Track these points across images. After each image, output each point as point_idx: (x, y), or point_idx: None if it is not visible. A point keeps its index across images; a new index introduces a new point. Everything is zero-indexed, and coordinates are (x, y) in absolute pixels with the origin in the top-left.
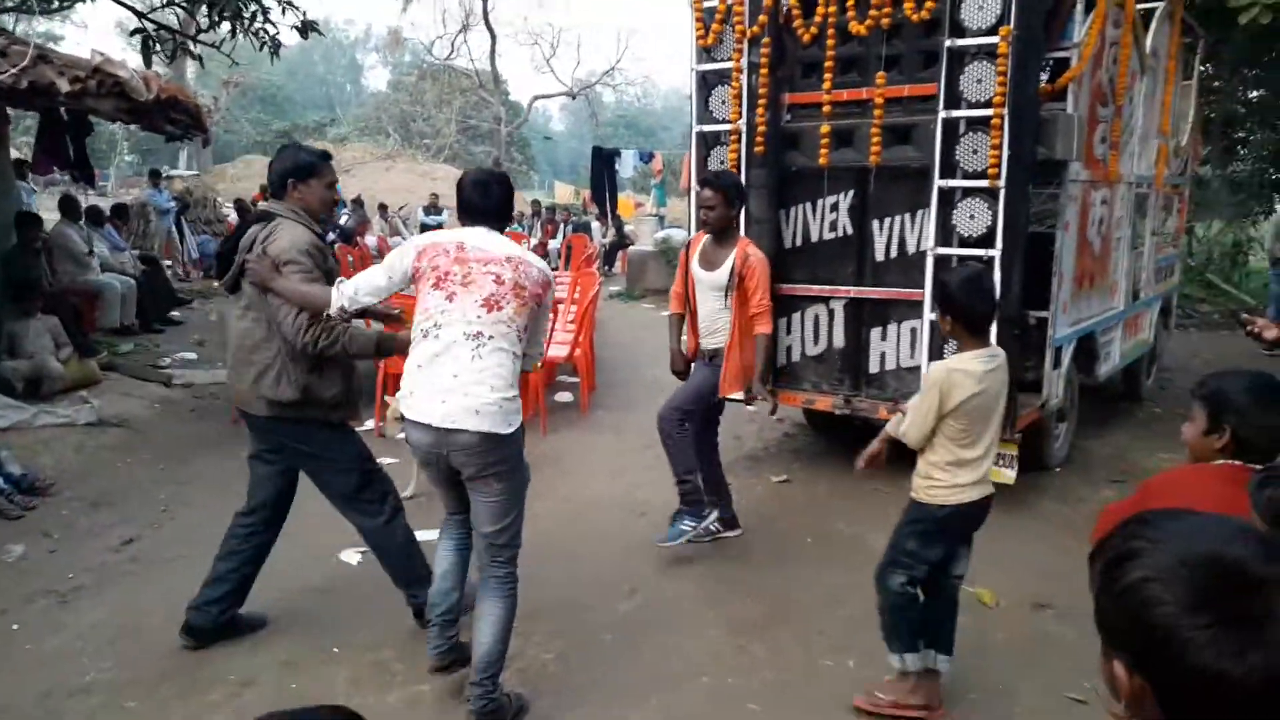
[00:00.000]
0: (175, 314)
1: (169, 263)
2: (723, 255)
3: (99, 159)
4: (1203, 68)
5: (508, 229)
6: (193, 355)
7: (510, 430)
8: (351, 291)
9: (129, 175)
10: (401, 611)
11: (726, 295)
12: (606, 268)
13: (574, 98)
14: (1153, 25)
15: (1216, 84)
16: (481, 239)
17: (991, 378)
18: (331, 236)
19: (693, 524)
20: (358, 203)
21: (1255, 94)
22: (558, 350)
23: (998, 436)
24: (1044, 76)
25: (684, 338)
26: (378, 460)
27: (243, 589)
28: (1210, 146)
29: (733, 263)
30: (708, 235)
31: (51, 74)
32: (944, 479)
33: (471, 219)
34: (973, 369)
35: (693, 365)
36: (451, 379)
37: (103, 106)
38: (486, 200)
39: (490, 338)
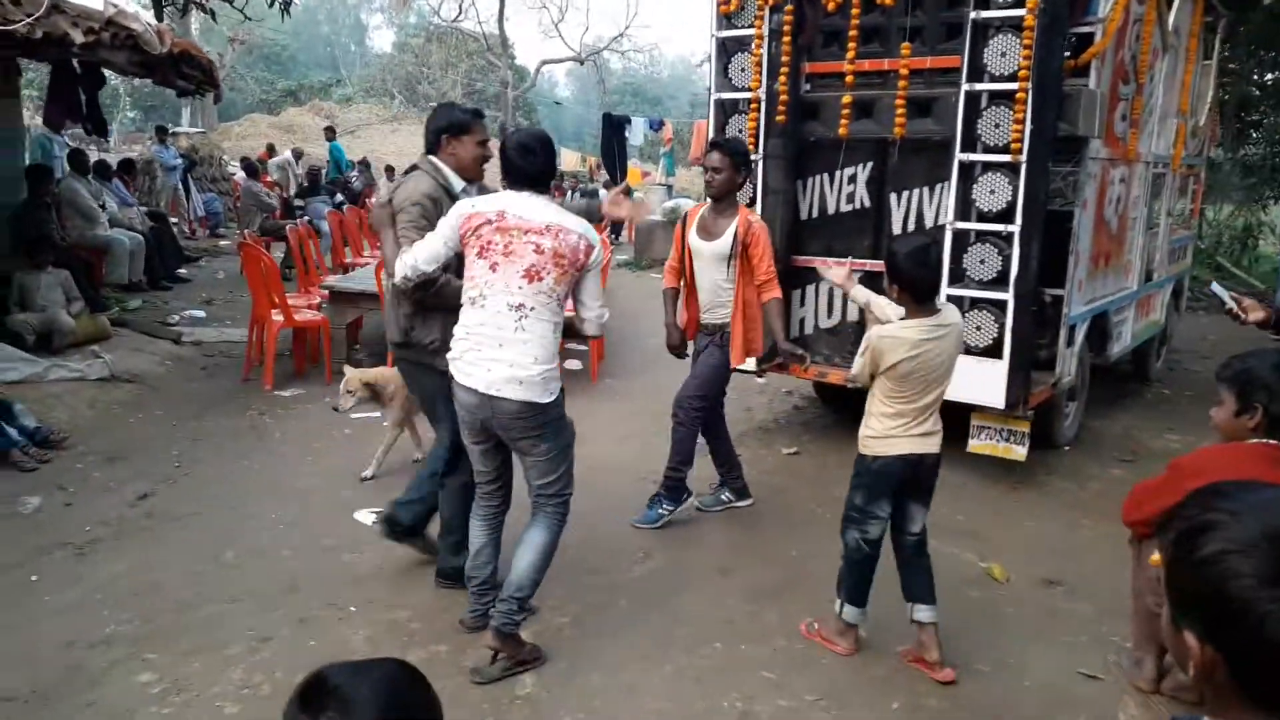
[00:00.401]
0: (183, 271)
1: (175, 220)
2: (723, 225)
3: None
4: (1223, 49)
5: None
6: (201, 313)
7: (550, 399)
8: (412, 261)
9: (131, 131)
10: (417, 571)
11: (729, 265)
12: (614, 236)
13: (581, 63)
14: (1175, 3)
15: (1232, 66)
16: (523, 205)
17: (930, 345)
18: (340, 198)
19: (670, 508)
20: (364, 164)
21: (1270, 77)
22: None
23: (939, 400)
24: (1066, 52)
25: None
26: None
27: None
28: (1224, 129)
29: (735, 230)
30: (705, 207)
31: (65, 24)
32: (877, 429)
33: (514, 182)
34: (906, 336)
35: (691, 344)
36: (497, 348)
37: (116, 59)
38: (530, 163)
39: (532, 309)
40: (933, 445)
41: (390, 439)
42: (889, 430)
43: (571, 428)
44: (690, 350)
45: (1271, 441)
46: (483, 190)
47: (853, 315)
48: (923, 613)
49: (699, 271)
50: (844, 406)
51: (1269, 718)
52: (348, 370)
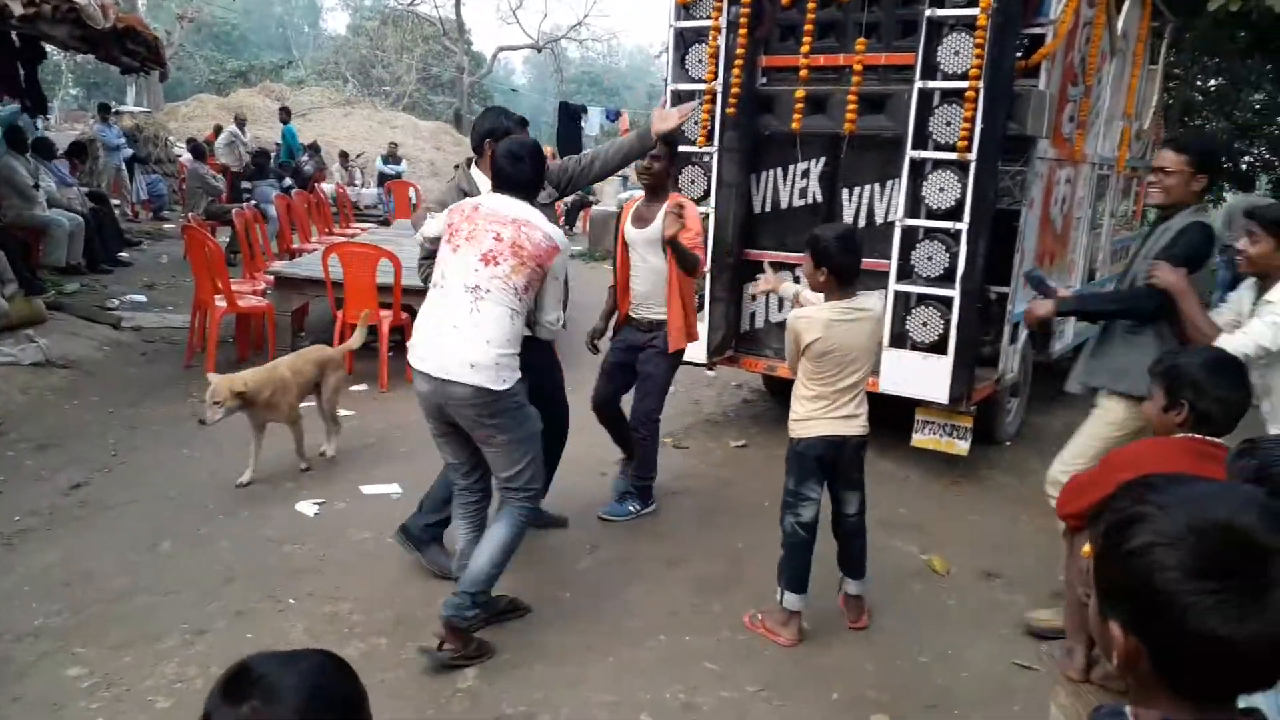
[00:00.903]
0: (124, 255)
1: (117, 202)
2: (656, 209)
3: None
4: (1168, 54)
5: None
6: (142, 298)
7: (504, 386)
8: (420, 236)
9: (73, 109)
10: (359, 564)
11: (665, 248)
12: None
13: (539, 51)
14: (1124, 7)
15: (1177, 71)
16: (498, 202)
17: (842, 326)
18: (289, 182)
19: (637, 508)
20: (315, 148)
21: (1214, 83)
22: None
23: (859, 385)
24: (1018, 52)
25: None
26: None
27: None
28: (1167, 133)
29: (666, 212)
30: (640, 199)
31: None
32: (800, 411)
33: (499, 187)
34: (819, 317)
35: (607, 339)
36: (451, 330)
37: (56, 33)
38: (518, 171)
39: (487, 291)
40: (855, 427)
41: (288, 437)
42: (810, 413)
43: (536, 420)
44: (606, 342)
45: (1198, 436)
46: (301, 175)
47: None
48: (851, 586)
49: (636, 263)
50: None
51: (1189, 706)
52: (212, 378)
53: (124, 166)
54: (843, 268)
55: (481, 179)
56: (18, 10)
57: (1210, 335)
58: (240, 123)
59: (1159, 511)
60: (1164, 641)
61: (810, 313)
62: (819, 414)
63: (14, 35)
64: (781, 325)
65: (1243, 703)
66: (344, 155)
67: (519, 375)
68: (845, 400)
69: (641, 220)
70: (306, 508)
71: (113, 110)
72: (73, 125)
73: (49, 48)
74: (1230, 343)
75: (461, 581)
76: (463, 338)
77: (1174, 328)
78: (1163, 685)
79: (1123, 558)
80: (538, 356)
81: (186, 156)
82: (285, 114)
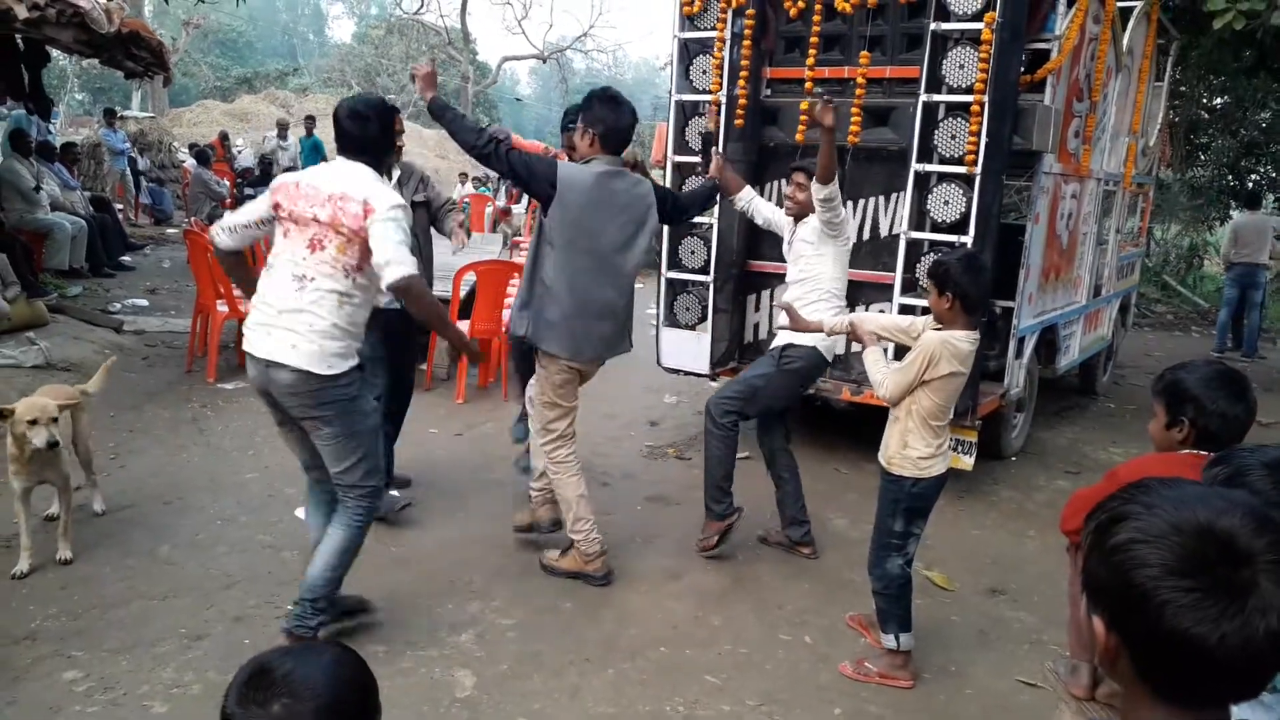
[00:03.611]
0: (126, 259)
1: (120, 206)
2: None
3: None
4: (1174, 72)
5: (475, 190)
6: (144, 302)
7: (330, 372)
8: (229, 222)
9: (79, 114)
10: (356, 571)
11: None
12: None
13: (544, 61)
14: (1130, 24)
15: (1183, 89)
16: (319, 176)
17: (969, 361)
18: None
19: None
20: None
21: (1219, 101)
22: None
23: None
24: (1023, 67)
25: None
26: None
27: None
28: (1173, 150)
29: None
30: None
31: None
32: (924, 450)
33: (342, 149)
34: (962, 348)
35: None
36: (276, 315)
37: (61, 37)
38: (362, 129)
39: (313, 278)
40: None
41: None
42: (936, 451)
43: (371, 415)
44: None
45: (1201, 453)
46: (405, 169)
47: None
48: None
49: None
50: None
51: (1176, 714)
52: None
53: (128, 171)
54: (969, 295)
55: None
56: (22, 14)
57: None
58: (282, 128)
59: (1144, 510)
60: (1141, 639)
61: (956, 340)
62: (941, 453)
63: (18, 39)
64: None
65: (1234, 715)
66: None
67: (353, 363)
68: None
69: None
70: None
71: (118, 115)
72: (78, 129)
73: (54, 52)
74: None
75: (300, 588)
76: (289, 323)
77: None
78: (1146, 690)
79: (1106, 554)
80: (393, 328)
81: (190, 162)
82: (311, 123)
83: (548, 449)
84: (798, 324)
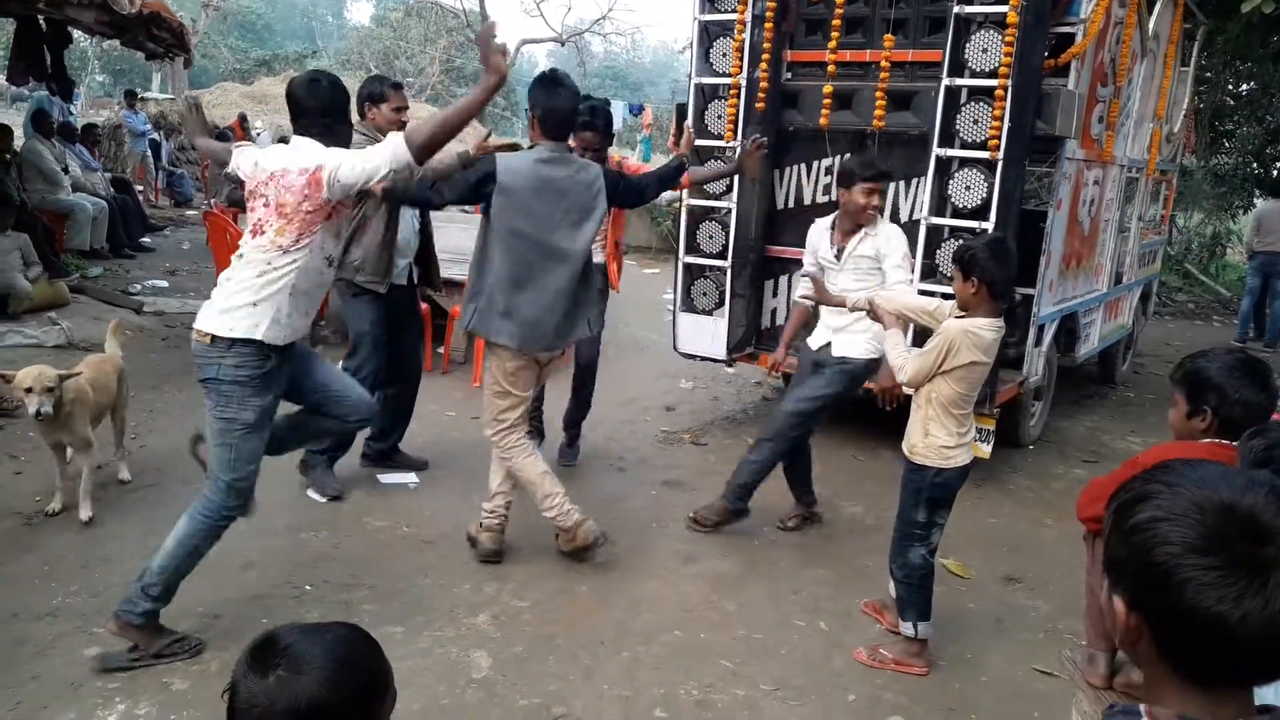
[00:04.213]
0: (146, 240)
1: (140, 187)
2: None
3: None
4: (1200, 57)
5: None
6: (164, 284)
7: (215, 332)
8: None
9: (99, 95)
10: (373, 553)
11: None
12: None
13: (562, 45)
14: (1156, 8)
15: (1208, 74)
16: (269, 155)
17: (992, 350)
18: None
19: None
20: None
21: (1245, 87)
22: None
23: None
24: (1047, 51)
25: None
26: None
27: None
28: (1198, 137)
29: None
30: None
31: None
32: (947, 440)
33: (294, 119)
34: (984, 337)
35: None
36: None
37: (83, 18)
38: (317, 95)
39: (241, 255)
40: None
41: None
42: (960, 441)
43: (245, 415)
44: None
45: (1224, 441)
46: None
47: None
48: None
49: None
50: None
51: (1196, 697)
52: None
53: (149, 152)
54: (995, 280)
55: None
56: None
57: None
58: None
59: (1166, 489)
60: (1162, 618)
61: (978, 329)
62: (965, 442)
63: (41, 20)
64: (804, 323)
65: (1257, 700)
66: None
67: (252, 339)
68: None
69: None
70: (315, 494)
71: (139, 97)
72: (98, 111)
73: (75, 33)
74: None
75: (143, 574)
76: (214, 291)
77: None
78: (1167, 671)
79: (1127, 532)
80: (392, 308)
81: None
82: None
83: (498, 438)
84: (821, 297)
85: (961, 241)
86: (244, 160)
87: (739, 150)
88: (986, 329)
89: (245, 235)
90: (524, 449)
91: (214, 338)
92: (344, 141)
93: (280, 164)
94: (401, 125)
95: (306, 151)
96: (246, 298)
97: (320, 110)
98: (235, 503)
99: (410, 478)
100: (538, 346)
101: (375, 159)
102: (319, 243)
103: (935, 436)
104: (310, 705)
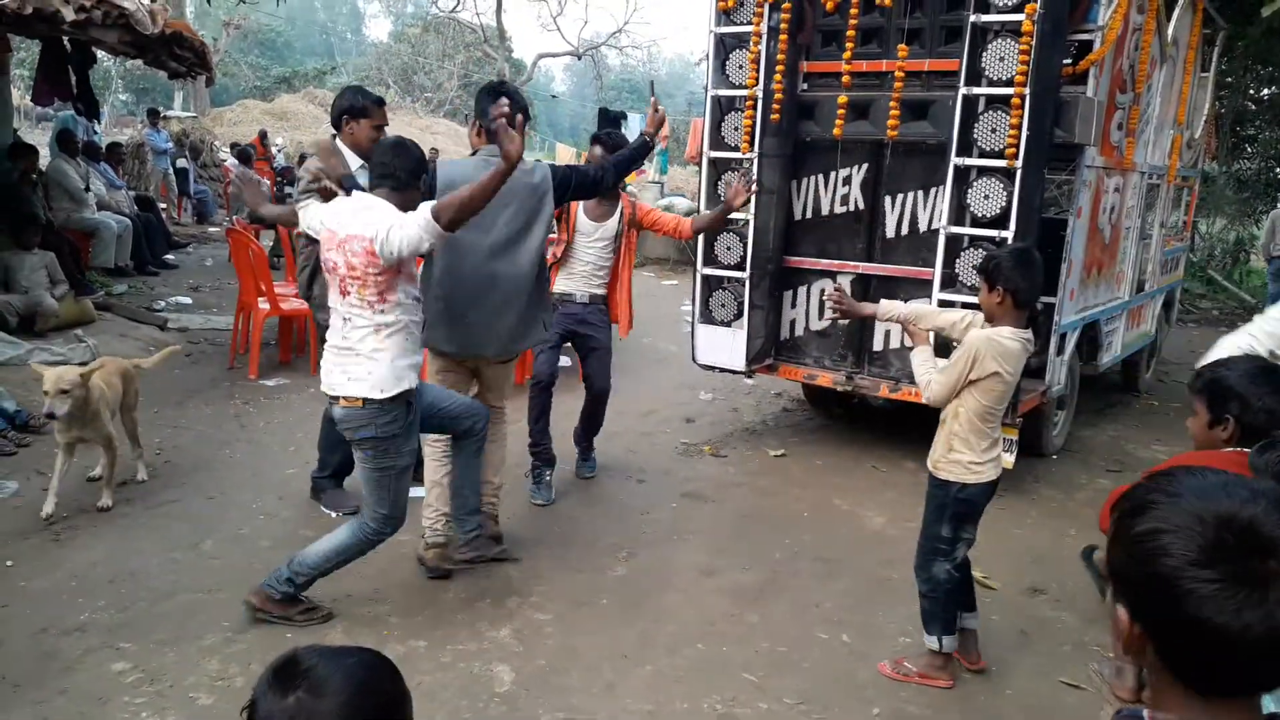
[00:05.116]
0: (170, 257)
1: (164, 205)
2: (608, 209)
3: None
4: (1220, 62)
5: None
6: (188, 300)
7: (370, 396)
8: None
9: (123, 114)
10: (397, 567)
11: (617, 242)
12: None
13: (579, 58)
14: (1175, 13)
15: (1229, 79)
16: (334, 216)
17: (1018, 362)
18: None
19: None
20: None
21: (1267, 91)
22: None
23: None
24: (1065, 58)
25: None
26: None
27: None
28: (1219, 142)
29: (621, 212)
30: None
31: (56, 1)
32: (972, 455)
33: (372, 175)
34: (1009, 347)
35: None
36: (333, 351)
37: (107, 38)
38: (398, 161)
39: (348, 319)
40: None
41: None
42: (985, 457)
43: (403, 460)
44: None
45: (1246, 450)
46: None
47: (843, 319)
48: (970, 620)
49: (583, 248)
50: (832, 410)
51: (1200, 706)
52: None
53: (171, 170)
54: (1020, 290)
55: (347, 152)
56: (69, 15)
57: None
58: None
59: (1168, 500)
60: (1164, 628)
61: (1004, 339)
62: (991, 458)
63: (65, 41)
64: (821, 334)
65: (1271, 707)
66: None
67: (400, 392)
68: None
69: (596, 215)
70: (330, 510)
71: (161, 115)
72: (121, 129)
73: (99, 53)
74: None
75: (293, 560)
76: (341, 362)
77: None
78: (1172, 680)
79: (1130, 543)
80: None
81: (232, 161)
82: None
83: (432, 438)
84: (852, 310)
85: (987, 252)
86: (311, 219)
87: (734, 182)
88: (1010, 338)
89: (334, 295)
90: (442, 453)
91: (365, 401)
92: (412, 202)
93: (345, 230)
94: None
95: (365, 218)
96: (384, 358)
97: (410, 171)
98: (391, 529)
99: (423, 490)
100: (491, 353)
101: (413, 235)
102: (401, 292)
103: (959, 452)
104: None
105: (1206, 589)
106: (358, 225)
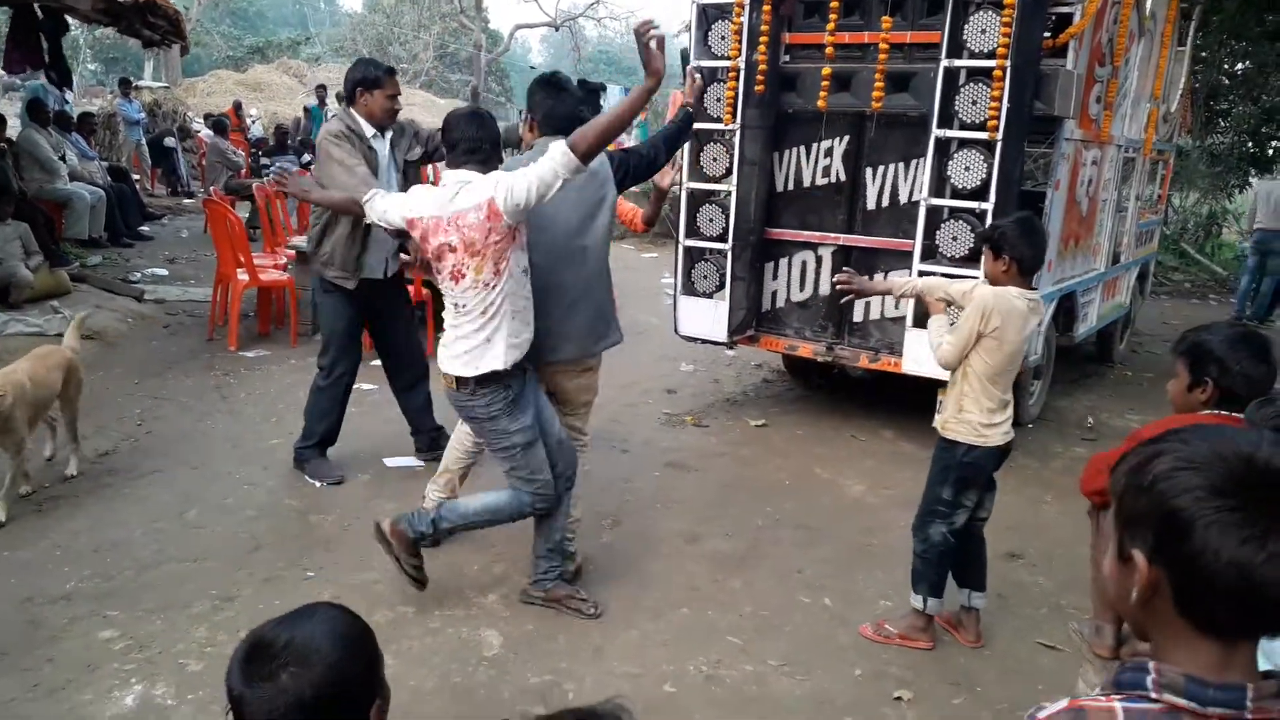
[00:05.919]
0: (145, 229)
1: (137, 176)
2: None
3: None
4: (1196, 36)
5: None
6: (164, 271)
7: (462, 374)
8: (383, 211)
9: (91, 84)
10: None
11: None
12: None
13: (556, 29)
14: None
15: (1204, 54)
16: (422, 201)
17: (1026, 323)
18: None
19: None
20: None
21: (1240, 66)
22: None
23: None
24: (1045, 31)
25: None
26: None
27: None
28: (1194, 117)
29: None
30: None
31: None
32: (982, 418)
33: (449, 152)
34: (1016, 304)
35: None
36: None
37: (79, 4)
38: (477, 130)
39: (464, 305)
40: (1012, 432)
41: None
42: (995, 420)
43: (519, 436)
44: None
45: (1223, 413)
46: (399, 131)
47: (824, 290)
48: (979, 599)
49: None
50: (811, 381)
51: (1206, 649)
52: None
53: (144, 141)
54: (1025, 256)
55: (362, 121)
56: None
57: None
58: (322, 94)
59: (1183, 444)
60: (1183, 564)
61: (1010, 296)
62: (1002, 421)
63: (37, 7)
64: (802, 305)
65: (1264, 665)
66: None
67: (495, 371)
68: (1011, 406)
69: None
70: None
71: (133, 85)
72: (91, 100)
73: (69, 20)
74: None
75: (442, 506)
76: (449, 336)
77: None
78: (1180, 628)
79: (1147, 485)
80: (374, 301)
81: (206, 132)
82: (322, 92)
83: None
84: (864, 289)
85: (967, 223)
86: (391, 211)
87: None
88: (1017, 296)
89: (446, 283)
90: (470, 447)
91: (457, 380)
92: (494, 169)
93: (454, 207)
94: (393, 114)
95: (474, 189)
96: (481, 337)
97: (494, 143)
98: (544, 503)
99: (416, 461)
100: (569, 356)
101: (546, 172)
102: (513, 263)
103: (969, 412)
104: (334, 683)
105: (1230, 518)
106: (467, 198)
